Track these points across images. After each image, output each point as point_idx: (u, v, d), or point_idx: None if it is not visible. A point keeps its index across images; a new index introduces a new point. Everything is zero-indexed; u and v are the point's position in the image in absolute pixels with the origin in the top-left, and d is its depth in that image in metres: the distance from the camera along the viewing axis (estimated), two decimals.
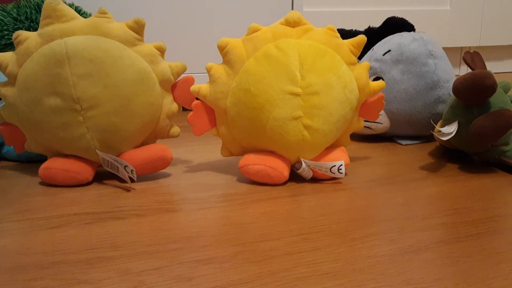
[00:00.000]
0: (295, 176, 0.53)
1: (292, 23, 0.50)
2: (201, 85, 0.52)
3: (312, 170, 0.52)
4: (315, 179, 0.53)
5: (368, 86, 0.54)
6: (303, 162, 0.51)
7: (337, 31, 0.52)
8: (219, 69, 0.51)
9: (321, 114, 0.49)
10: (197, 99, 0.53)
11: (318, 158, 0.52)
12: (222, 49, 0.51)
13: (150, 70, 0.51)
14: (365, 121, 0.67)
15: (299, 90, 0.48)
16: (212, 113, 0.53)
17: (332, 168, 0.51)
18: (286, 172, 0.51)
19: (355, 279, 0.33)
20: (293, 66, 0.48)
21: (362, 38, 0.52)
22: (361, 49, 0.53)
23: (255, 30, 0.50)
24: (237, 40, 0.51)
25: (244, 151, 0.54)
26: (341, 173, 0.51)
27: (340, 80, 0.50)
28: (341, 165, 0.51)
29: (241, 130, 0.51)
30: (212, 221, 0.43)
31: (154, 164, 0.53)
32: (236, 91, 0.50)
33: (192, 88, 0.52)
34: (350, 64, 0.52)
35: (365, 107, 0.56)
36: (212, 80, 0.51)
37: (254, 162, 0.51)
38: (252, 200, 0.48)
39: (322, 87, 0.49)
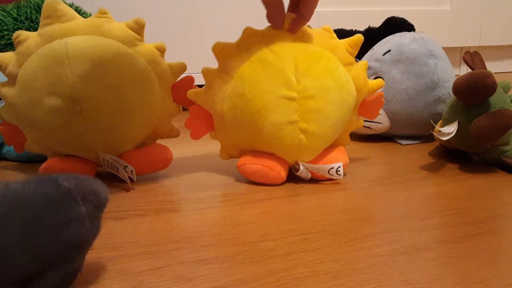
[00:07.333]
0: (294, 176, 0.53)
1: (286, 26, 0.49)
2: (197, 90, 0.52)
3: (310, 171, 0.51)
4: (314, 179, 0.53)
5: (366, 85, 0.53)
6: (300, 165, 0.51)
7: (333, 32, 0.52)
8: (215, 74, 0.50)
9: (317, 117, 0.49)
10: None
11: (316, 159, 0.52)
12: (216, 53, 0.50)
13: (150, 70, 0.51)
14: (365, 121, 0.67)
15: (294, 94, 0.48)
16: (209, 117, 0.53)
17: (330, 170, 0.51)
18: (283, 173, 0.51)
19: (355, 279, 0.33)
20: (288, 71, 0.48)
21: (359, 38, 0.52)
22: (358, 49, 0.52)
23: (250, 34, 0.50)
24: (231, 44, 0.50)
25: (243, 153, 0.53)
26: (339, 174, 0.51)
27: (337, 83, 0.49)
28: (339, 167, 0.50)
29: (238, 134, 0.51)
30: (212, 221, 0.43)
31: (154, 164, 0.53)
32: (232, 96, 0.49)
33: (189, 92, 0.52)
34: (347, 64, 0.51)
35: (364, 106, 0.56)
36: (208, 85, 0.51)
37: (252, 162, 0.51)
38: (252, 200, 0.48)
39: (318, 91, 0.48)
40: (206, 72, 0.51)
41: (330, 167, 0.50)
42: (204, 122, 0.53)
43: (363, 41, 0.52)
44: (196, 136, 0.53)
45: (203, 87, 0.51)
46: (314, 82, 0.48)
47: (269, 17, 0.48)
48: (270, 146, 0.50)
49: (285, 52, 0.48)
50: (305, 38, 0.50)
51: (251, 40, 0.49)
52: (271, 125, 0.48)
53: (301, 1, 0.47)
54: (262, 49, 0.49)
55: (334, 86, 0.49)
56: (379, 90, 0.56)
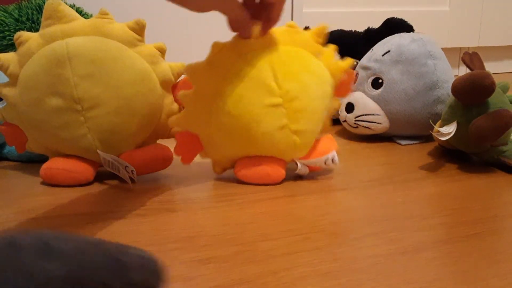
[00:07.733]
0: (294, 176, 0.53)
1: (255, 34, 0.48)
2: (177, 116, 0.51)
3: (307, 166, 0.52)
4: (314, 178, 0.53)
5: (338, 68, 0.53)
6: (298, 163, 0.51)
7: (297, 26, 0.50)
8: (193, 97, 0.49)
9: (304, 116, 0.49)
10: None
11: (309, 152, 0.52)
12: (190, 75, 0.49)
13: (150, 71, 0.51)
14: (364, 121, 0.67)
15: (279, 100, 0.48)
16: (196, 138, 0.52)
17: (327, 161, 0.52)
18: (282, 170, 0.51)
19: (355, 279, 0.33)
20: (267, 78, 0.47)
21: (323, 27, 0.51)
22: (323, 37, 0.51)
23: (219, 49, 0.48)
24: (202, 63, 0.48)
25: (238, 161, 0.53)
26: (335, 163, 0.52)
27: (314, 76, 0.49)
28: (334, 156, 0.52)
29: (231, 149, 0.51)
30: (212, 221, 0.43)
31: (154, 164, 0.53)
32: (218, 116, 0.49)
33: (170, 120, 0.51)
34: (317, 54, 0.51)
35: (337, 87, 0.54)
36: (188, 109, 0.50)
37: (250, 165, 0.51)
38: (252, 200, 0.48)
39: (299, 90, 0.48)
40: (183, 97, 0.49)
41: (326, 158, 0.51)
42: (192, 145, 0.52)
43: (327, 28, 0.51)
44: (187, 160, 0.53)
45: (182, 111, 0.50)
46: (295, 83, 0.48)
47: (236, 30, 0.47)
48: (266, 152, 0.51)
49: (259, 59, 0.47)
50: (274, 40, 0.49)
51: (221, 56, 0.48)
52: (263, 135, 0.48)
53: (269, 7, 0.45)
54: (236, 62, 0.48)
55: (312, 80, 0.49)
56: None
